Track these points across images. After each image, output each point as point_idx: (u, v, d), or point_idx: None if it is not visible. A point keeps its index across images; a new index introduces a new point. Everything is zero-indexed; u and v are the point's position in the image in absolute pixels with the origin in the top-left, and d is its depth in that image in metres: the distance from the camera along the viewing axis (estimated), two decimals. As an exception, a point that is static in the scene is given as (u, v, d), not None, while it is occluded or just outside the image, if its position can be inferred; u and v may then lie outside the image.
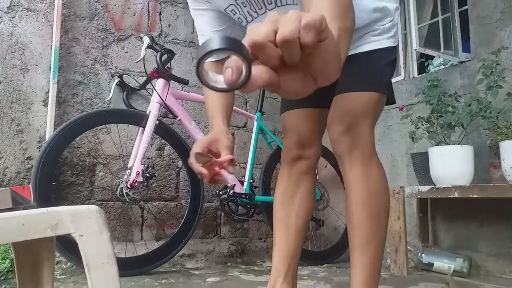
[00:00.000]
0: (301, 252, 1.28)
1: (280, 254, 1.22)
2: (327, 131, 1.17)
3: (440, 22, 2.47)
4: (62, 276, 1.87)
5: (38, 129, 2.12)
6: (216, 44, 0.39)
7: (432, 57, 2.41)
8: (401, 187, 2.14)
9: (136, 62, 2.23)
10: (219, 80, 0.44)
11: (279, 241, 1.24)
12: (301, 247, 1.27)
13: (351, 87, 1.13)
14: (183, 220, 2.16)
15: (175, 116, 2.19)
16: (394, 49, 1.18)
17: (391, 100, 1.21)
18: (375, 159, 1.12)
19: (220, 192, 2.29)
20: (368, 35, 1.13)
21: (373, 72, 1.14)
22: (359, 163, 1.09)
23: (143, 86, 2.39)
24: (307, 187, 1.28)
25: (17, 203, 0.78)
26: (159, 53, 2.06)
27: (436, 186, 2.01)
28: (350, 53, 1.11)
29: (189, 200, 2.20)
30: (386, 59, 1.14)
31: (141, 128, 2.05)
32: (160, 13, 2.60)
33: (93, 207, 0.67)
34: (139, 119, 2.05)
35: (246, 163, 2.49)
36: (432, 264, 2.14)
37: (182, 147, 2.24)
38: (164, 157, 2.50)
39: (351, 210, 1.10)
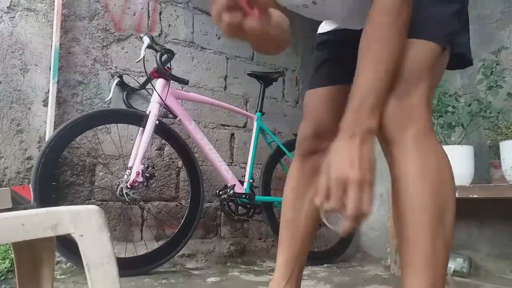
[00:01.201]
0: (307, 255, 1.17)
1: (285, 256, 1.13)
2: None
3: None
4: (62, 276, 1.86)
5: (38, 129, 2.12)
6: None
7: (432, 57, 2.40)
8: (401, 187, 2.14)
9: (136, 62, 2.23)
10: None
11: (285, 242, 1.15)
12: (307, 250, 1.17)
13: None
14: (183, 220, 2.16)
15: (175, 116, 2.19)
16: None
17: (460, 61, 0.95)
18: (433, 141, 0.85)
19: (220, 192, 2.29)
20: None
21: (431, 15, 0.86)
22: (414, 148, 0.81)
23: (143, 86, 2.39)
24: None
25: (17, 203, 0.78)
26: (159, 53, 2.06)
27: (436, 186, 2.00)
28: None
29: (189, 200, 2.20)
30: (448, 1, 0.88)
31: (141, 128, 2.05)
32: (160, 13, 2.60)
33: (93, 207, 0.67)
34: (139, 119, 2.05)
35: (246, 163, 2.49)
36: (432, 264, 2.13)
37: (182, 147, 2.24)
38: (164, 157, 2.50)
39: (403, 214, 0.82)
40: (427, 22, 0.85)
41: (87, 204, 2.18)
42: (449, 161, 0.87)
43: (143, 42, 2.11)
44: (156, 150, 2.47)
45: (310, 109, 1.13)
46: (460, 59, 0.96)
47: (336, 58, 1.11)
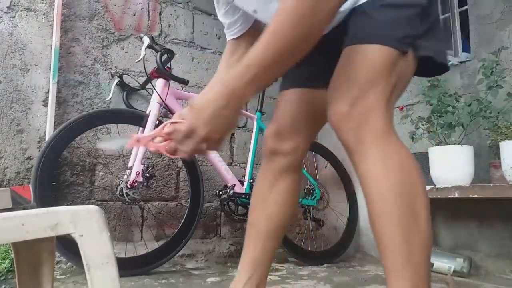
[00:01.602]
0: (272, 258, 1.15)
1: (245, 259, 1.12)
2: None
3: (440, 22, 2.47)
4: (62, 276, 1.86)
5: (38, 129, 2.12)
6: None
7: (432, 57, 2.40)
8: (401, 187, 2.14)
9: (136, 62, 2.23)
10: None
11: (246, 245, 1.13)
12: (271, 254, 1.13)
13: (354, 38, 0.87)
14: (183, 220, 2.16)
15: (175, 116, 2.19)
16: None
17: (436, 67, 0.92)
18: (394, 142, 0.83)
19: (220, 192, 2.29)
20: None
21: (385, 20, 0.85)
22: (373, 153, 0.81)
23: (143, 86, 2.39)
24: (284, 188, 1.10)
25: (17, 203, 0.78)
26: (159, 53, 2.06)
27: (436, 186, 2.01)
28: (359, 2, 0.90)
29: (189, 200, 2.20)
30: (404, 2, 0.87)
31: (141, 128, 2.05)
32: (160, 13, 2.60)
33: (93, 207, 0.67)
34: (139, 119, 2.05)
35: (246, 163, 2.49)
36: (432, 264, 2.13)
37: (182, 147, 2.23)
38: (164, 157, 2.50)
39: (373, 220, 0.83)
40: (378, 27, 0.86)
41: (87, 204, 2.18)
42: (414, 160, 0.84)
43: (143, 42, 2.11)
44: (156, 150, 2.47)
45: (276, 110, 1.14)
46: (437, 65, 0.94)
47: (300, 62, 1.14)
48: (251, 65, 0.76)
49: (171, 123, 0.83)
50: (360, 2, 0.90)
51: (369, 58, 0.83)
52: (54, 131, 2.00)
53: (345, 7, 0.90)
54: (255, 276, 1.10)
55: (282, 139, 1.08)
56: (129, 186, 1.93)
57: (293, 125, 1.07)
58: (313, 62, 0.96)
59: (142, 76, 2.42)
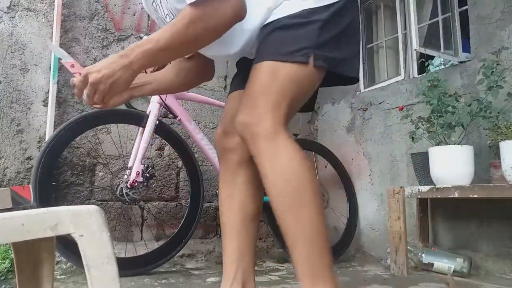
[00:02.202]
0: (252, 252, 1.16)
1: (226, 259, 1.15)
2: None
3: (440, 22, 2.47)
4: (62, 276, 1.87)
5: (38, 129, 2.12)
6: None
7: (432, 57, 2.41)
8: (401, 187, 2.14)
9: (136, 62, 2.23)
10: None
11: (224, 246, 1.16)
12: (249, 248, 1.15)
13: (254, 60, 1.04)
14: (183, 220, 2.16)
15: (175, 116, 2.19)
16: (316, 10, 1.01)
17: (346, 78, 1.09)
18: (280, 141, 0.95)
19: (220, 192, 2.29)
20: (284, 1, 1.03)
21: (277, 39, 1.01)
22: (263, 149, 0.95)
23: (143, 86, 2.39)
24: (244, 182, 1.16)
25: (17, 203, 0.78)
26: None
27: (436, 186, 2.01)
28: (267, 21, 1.04)
29: (189, 200, 2.20)
30: (296, 22, 1.00)
31: (141, 128, 2.05)
32: (160, 13, 2.60)
33: (93, 207, 0.67)
34: (139, 119, 2.05)
35: (246, 163, 2.49)
36: (432, 264, 2.14)
37: (182, 147, 2.24)
38: (164, 157, 2.50)
39: (272, 205, 0.97)
40: (269, 46, 1.01)
41: (87, 204, 2.18)
42: (299, 153, 0.96)
43: (143, 42, 2.11)
44: (156, 150, 2.47)
45: (223, 111, 1.27)
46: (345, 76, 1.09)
47: (243, 69, 1.24)
48: (152, 39, 0.94)
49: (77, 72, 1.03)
50: (263, 23, 1.05)
51: (261, 73, 1.00)
52: (54, 131, 2.00)
53: (253, 25, 1.05)
54: (239, 273, 1.12)
55: (228, 136, 1.18)
56: (129, 186, 1.93)
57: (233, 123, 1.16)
58: (249, 67, 1.09)
59: (142, 76, 2.42)
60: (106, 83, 0.92)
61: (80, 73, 0.97)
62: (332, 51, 1.02)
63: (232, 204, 1.17)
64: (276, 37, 1.01)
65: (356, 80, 1.13)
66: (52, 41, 2.15)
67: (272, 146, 0.94)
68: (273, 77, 0.98)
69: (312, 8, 1.01)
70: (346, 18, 1.07)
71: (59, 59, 0.97)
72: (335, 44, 1.03)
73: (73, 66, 1.01)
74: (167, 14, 1.09)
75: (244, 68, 1.22)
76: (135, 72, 0.95)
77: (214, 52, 1.19)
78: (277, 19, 1.02)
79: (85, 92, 0.94)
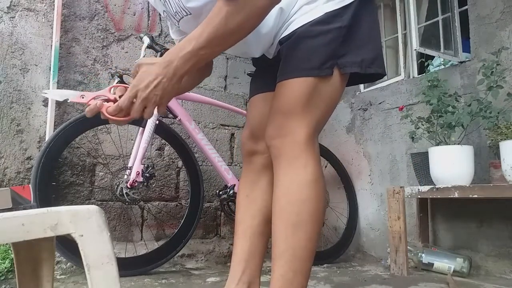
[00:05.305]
0: (262, 255, 1.19)
1: (235, 258, 1.16)
2: None
3: (440, 22, 2.47)
4: (62, 276, 1.87)
5: (38, 129, 2.12)
6: None
7: (432, 57, 2.41)
8: (401, 187, 2.14)
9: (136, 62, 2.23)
10: None
11: (235, 245, 1.17)
12: (260, 250, 1.17)
13: (281, 75, 1.03)
14: (183, 220, 2.16)
15: (175, 116, 2.19)
16: (338, 13, 1.00)
17: (357, 77, 1.06)
18: (302, 161, 0.98)
19: (220, 192, 2.29)
20: (304, 5, 1.01)
21: (302, 53, 1.00)
22: (282, 167, 0.99)
23: (143, 86, 2.39)
24: (267, 185, 1.17)
25: (17, 203, 0.78)
26: (159, 53, 2.06)
27: (436, 186, 2.01)
28: (286, 32, 1.02)
29: (189, 200, 2.20)
30: (319, 30, 0.98)
31: (141, 128, 2.05)
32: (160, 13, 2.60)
33: (93, 207, 0.67)
34: (139, 119, 2.05)
35: (246, 163, 2.49)
36: (432, 264, 2.14)
37: (182, 147, 2.24)
38: (164, 157, 2.50)
39: (273, 218, 1.01)
40: (295, 61, 1.00)
41: (87, 204, 2.18)
42: (318, 177, 0.99)
43: (143, 42, 2.11)
44: (156, 150, 2.47)
45: (248, 114, 1.27)
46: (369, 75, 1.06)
47: (262, 70, 1.26)
48: (191, 39, 0.91)
49: (117, 86, 0.99)
50: (283, 34, 1.03)
51: (289, 91, 1.00)
52: (54, 131, 2.00)
53: (268, 26, 1.02)
54: (246, 274, 1.13)
55: (257, 140, 1.19)
56: (129, 186, 1.93)
57: (262, 126, 1.14)
58: (271, 69, 1.09)
59: (142, 76, 2.42)
60: (157, 96, 0.92)
61: (94, 98, 0.98)
62: (358, 55, 1.01)
63: (251, 205, 1.18)
64: (301, 51, 1.00)
65: (384, 74, 1.10)
66: (52, 41, 2.15)
67: (293, 167, 0.97)
68: (302, 94, 0.98)
69: (333, 10, 0.99)
70: (366, 15, 1.05)
71: (66, 99, 0.94)
72: (360, 46, 1.02)
73: (83, 97, 1.01)
74: (176, 12, 1.06)
75: (262, 68, 1.25)
76: (181, 77, 0.94)
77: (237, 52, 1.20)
78: (300, 28, 1.00)
79: (127, 106, 0.94)
